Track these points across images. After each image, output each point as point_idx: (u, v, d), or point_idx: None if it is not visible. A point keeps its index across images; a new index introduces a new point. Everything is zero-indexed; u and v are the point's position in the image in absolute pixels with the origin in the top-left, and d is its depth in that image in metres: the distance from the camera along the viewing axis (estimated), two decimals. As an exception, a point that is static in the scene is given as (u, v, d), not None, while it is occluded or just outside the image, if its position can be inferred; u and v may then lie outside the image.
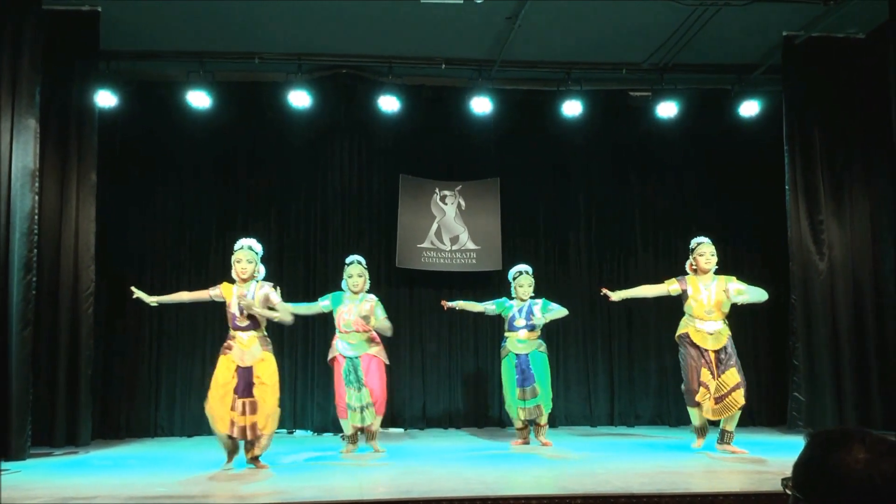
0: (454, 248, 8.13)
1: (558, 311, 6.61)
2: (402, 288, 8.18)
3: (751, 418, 8.09)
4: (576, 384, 8.27)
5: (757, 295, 6.08)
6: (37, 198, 5.98)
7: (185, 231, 7.92)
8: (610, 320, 8.37)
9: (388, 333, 6.26)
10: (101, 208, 6.77)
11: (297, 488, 4.63)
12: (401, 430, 7.89)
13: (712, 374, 5.83)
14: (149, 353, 7.67)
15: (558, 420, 8.13)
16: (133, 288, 5.59)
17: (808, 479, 1.33)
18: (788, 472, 1.39)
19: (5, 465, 5.43)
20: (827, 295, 7.08)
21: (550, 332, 8.19)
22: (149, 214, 7.86)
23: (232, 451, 5.34)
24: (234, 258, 5.52)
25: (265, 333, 5.47)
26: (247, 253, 5.49)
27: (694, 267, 6.13)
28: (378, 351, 6.11)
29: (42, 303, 6.27)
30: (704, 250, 6.08)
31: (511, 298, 6.70)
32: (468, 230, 8.17)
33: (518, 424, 6.60)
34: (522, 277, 6.65)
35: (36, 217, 5.96)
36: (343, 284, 6.24)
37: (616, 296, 6.25)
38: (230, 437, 5.22)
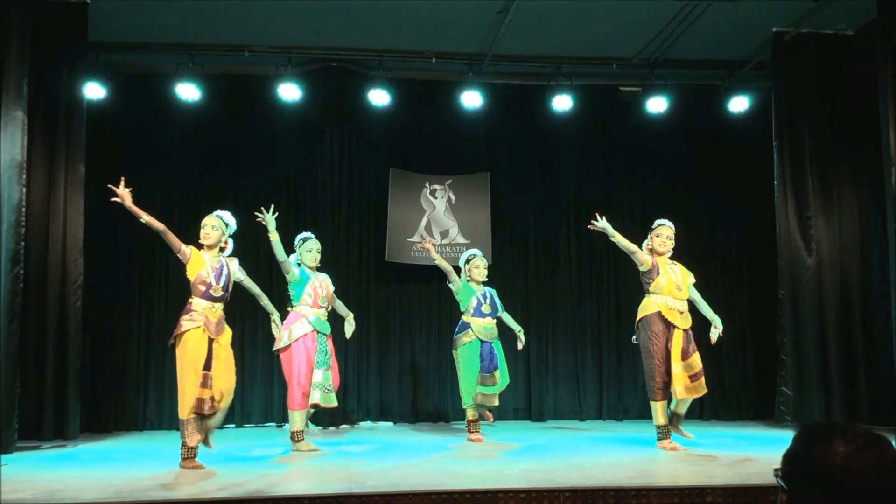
0: (444, 242, 8.14)
1: (510, 322, 6.73)
2: (392, 282, 8.19)
3: (739, 412, 8.17)
4: (565, 378, 8.30)
5: (705, 311, 5.99)
6: (24, 190, 5.95)
7: (173, 224, 7.82)
8: (599, 314, 8.41)
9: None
10: (89, 200, 6.73)
11: (286, 481, 4.63)
12: (390, 423, 7.91)
13: (679, 356, 5.60)
14: (137, 346, 7.64)
15: (547, 414, 8.17)
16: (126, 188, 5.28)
17: (793, 470, 1.36)
18: (776, 466, 1.42)
19: (-8, 458, 5.42)
20: (815, 290, 7.13)
21: (539, 326, 8.25)
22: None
23: (197, 439, 5.05)
24: (202, 224, 5.41)
25: None
26: (213, 219, 5.42)
27: (650, 247, 5.94)
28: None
29: (30, 295, 6.24)
30: (661, 232, 5.90)
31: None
32: (458, 224, 8.18)
33: (471, 415, 6.39)
34: (478, 259, 6.61)
35: (23, 209, 5.94)
36: (300, 266, 6.05)
37: (602, 224, 5.77)
38: (199, 416, 5.02)
